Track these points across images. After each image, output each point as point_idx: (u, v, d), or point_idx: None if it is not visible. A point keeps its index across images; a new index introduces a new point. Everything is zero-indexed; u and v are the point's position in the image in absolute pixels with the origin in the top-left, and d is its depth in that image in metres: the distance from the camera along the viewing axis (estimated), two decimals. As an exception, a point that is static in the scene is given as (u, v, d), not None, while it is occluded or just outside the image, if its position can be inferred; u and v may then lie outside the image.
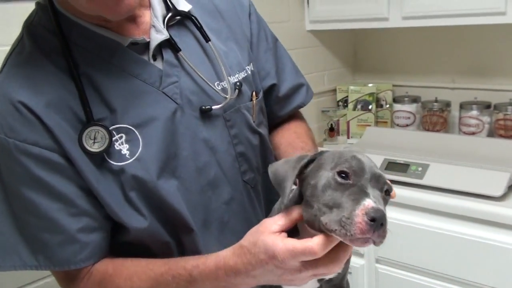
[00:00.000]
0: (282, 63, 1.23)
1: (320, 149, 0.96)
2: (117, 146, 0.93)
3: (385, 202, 0.81)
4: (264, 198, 1.16)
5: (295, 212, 0.85)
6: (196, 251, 0.99)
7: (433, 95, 2.42)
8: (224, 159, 1.04)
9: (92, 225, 0.93)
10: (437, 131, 2.38)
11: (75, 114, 0.91)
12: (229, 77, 1.05)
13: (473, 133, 2.27)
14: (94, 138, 0.91)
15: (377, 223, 0.72)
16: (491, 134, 2.25)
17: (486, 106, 2.25)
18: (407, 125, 2.47)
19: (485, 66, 2.32)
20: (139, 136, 0.94)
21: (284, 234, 0.84)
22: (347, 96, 2.63)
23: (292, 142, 1.19)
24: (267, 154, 1.15)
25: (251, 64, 1.13)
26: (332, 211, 0.76)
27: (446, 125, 2.37)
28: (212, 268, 0.89)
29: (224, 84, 1.04)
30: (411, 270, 1.90)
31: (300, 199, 0.86)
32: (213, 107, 1.01)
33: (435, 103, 2.38)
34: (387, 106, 2.58)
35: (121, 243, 0.99)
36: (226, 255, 0.89)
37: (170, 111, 0.97)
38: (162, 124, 0.96)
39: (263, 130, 1.14)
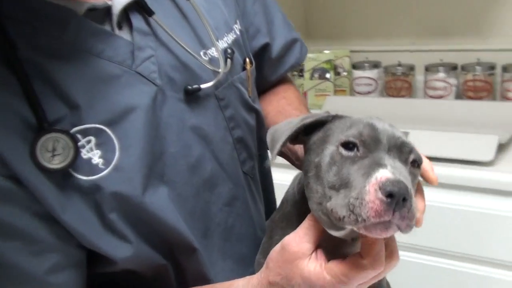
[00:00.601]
0: (271, 15, 1.01)
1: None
2: (85, 154, 0.70)
3: (413, 177, 0.63)
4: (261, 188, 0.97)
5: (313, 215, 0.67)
6: (199, 271, 0.79)
7: (395, 59, 2.28)
8: (221, 149, 0.83)
9: (63, 262, 0.71)
10: (402, 96, 2.24)
11: (22, 119, 0.67)
12: (217, 42, 0.83)
13: (440, 97, 2.15)
14: (53, 150, 0.67)
15: (396, 198, 0.55)
16: (459, 96, 2.14)
17: (452, 68, 2.14)
18: (368, 92, 2.32)
19: (448, 26, 2.20)
20: (113, 137, 0.71)
21: (321, 254, 0.66)
22: (302, 65, 2.44)
23: (282, 109, 1.00)
24: (263, 134, 0.95)
25: (238, 21, 0.91)
26: (339, 194, 0.59)
27: (411, 90, 2.24)
28: None
29: (212, 53, 0.82)
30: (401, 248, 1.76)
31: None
32: (202, 86, 0.79)
33: (398, 67, 2.25)
34: (345, 73, 2.41)
35: (102, 273, 0.76)
36: None
37: (149, 96, 0.74)
38: (142, 116, 0.73)
39: (259, 106, 0.93)
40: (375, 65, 2.31)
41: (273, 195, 1.05)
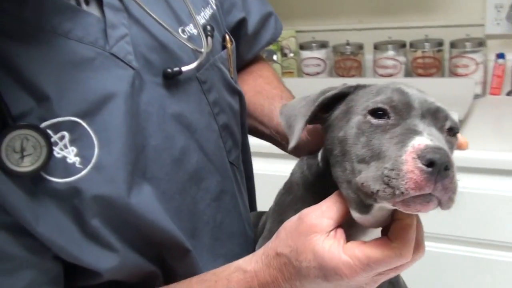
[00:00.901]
0: None
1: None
2: (58, 153, 0.59)
3: (450, 146, 0.58)
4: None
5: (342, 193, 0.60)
6: (191, 274, 0.70)
7: (343, 38, 2.25)
8: (206, 138, 0.75)
9: (39, 279, 0.61)
10: (352, 76, 2.22)
11: None
12: (197, 17, 0.74)
13: (390, 75, 2.13)
14: (22, 150, 0.56)
15: (438, 167, 0.49)
16: (408, 74, 2.14)
17: (401, 45, 2.12)
18: (317, 73, 2.28)
19: (395, 3, 2.18)
20: (90, 131, 0.61)
21: (341, 233, 0.58)
22: (248, 47, 2.35)
23: (260, 89, 0.92)
24: (245, 119, 0.87)
25: None
26: (369, 167, 0.53)
27: (361, 69, 2.22)
28: None
29: (191, 30, 0.73)
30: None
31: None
32: (184, 68, 0.70)
33: (347, 47, 2.21)
34: (292, 54, 2.36)
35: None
36: (255, 267, 0.62)
37: (127, 81, 0.65)
38: (121, 105, 0.64)
39: (240, 88, 0.85)
40: (323, 45, 2.27)
41: (254, 185, 0.98)
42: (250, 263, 0.63)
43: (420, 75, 2.09)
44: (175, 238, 0.67)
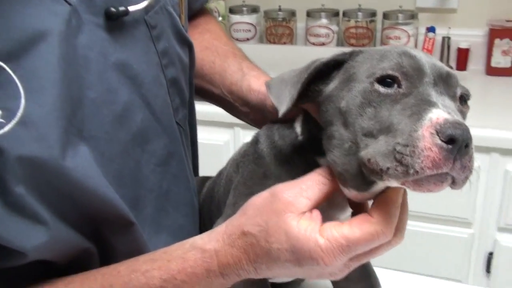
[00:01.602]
0: None
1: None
2: None
3: (463, 115, 0.52)
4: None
5: (328, 176, 0.53)
6: (133, 250, 0.61)
7: (275, 3, 2.17)
8: (154, 93, 0.65)
9: None
10: (283, 43, 2.15)
11: None
12: None
13: (322, 44, 2.09)
14: None
15: (460, 144, 0.44)
16: (341, 43, 2.11)
17: (334, 14, 2.08)
18: (247, 39, 2.19)
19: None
20: (15, 78, 0.50)
21: (317, 214, 0.52)
22: (175, 8, 2.22)
23: (209, 45, 0.83)
24: (193, 75, 0.78)
25: None
26: (378, 141, 0.47)
27: (293, 37, 2.16)
28: (200, 275, 0.55)
29: None
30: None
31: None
32: (131, 8, 0.60)
33: (279, 12, 2.14)
34: (221, 18, 2.25)
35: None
36: (217, 247, 0.54)
37: (62, 19, 0.53)
38: (54, 47, 0.52)
39: (191, 39, 0.75)
40: (254, 9, 2.18)
41: (197, 150, 0.88)
42: (209, 241, 0.55)
43: (352, 45, 2.06)
44: (117, 209, 0.57)
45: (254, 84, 0.73)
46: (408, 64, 0.49)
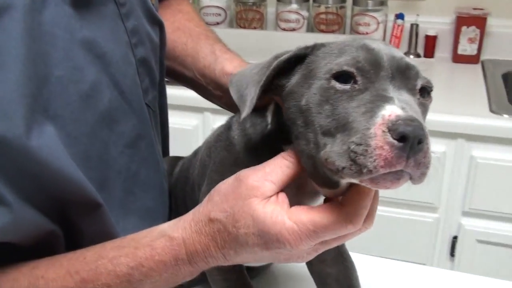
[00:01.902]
0: None
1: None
2: None
3: (424, 109, 0.51)
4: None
5: (292, 159, 0.53)
6: (100, 233, 0.60)
7: (245, -13, 2.15)
8: (123, 73, 0.63)
9: None
10: (254, 28, 2.14)
11: None
12: None
13: (293, 29, 2.09)
14: None
15: (411, 141, 0.43)
16: (311, 29, 2.11)
17: (304, -1, 2.08)
18: (217, 23, 2.17)
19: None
20: None
21: (283, 198, 0.52)
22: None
23: (181, 26, 0.82)
24: (164, 55, 0.77)
25: None
26: (335, 139, 0.47)
27: (263, 21, 2.15)
28: (168, 263, 0.54)
29: None
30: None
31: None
32: None
33: (249, -3, 2.12)
34: (191, 1, 2.22)
35: None
36: (184, 235, 0.54)
37: None
38: (18, 21, 0.51)
39: (161, 18, 0.74)
40: (224, -7, 2.16)
41: (168, 132, 0.87)
42: (177, 229, 0.55)
43: (322, 31, 2.06)
44: (84, 190, 0.56)
45: (228, 68, 0.73)
46: (364, 59, 0.48)
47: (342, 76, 0.48)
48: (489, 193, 1.54)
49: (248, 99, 0.52)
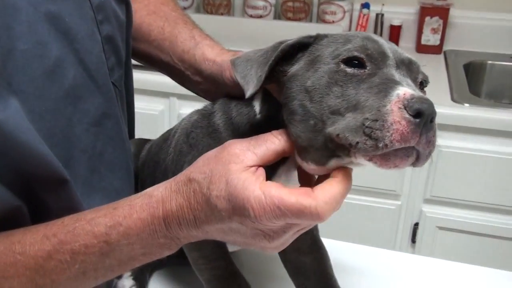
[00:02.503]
0: None
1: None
2: None
3: None
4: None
5: (281, 137, 0.54)
6: (66, 209, 0.59)
7: (212, -27, 2.13)
8: (88, 49, 0.62)
9: None
10: (221, 14, 2.12)
11: None
12: None
13: (260, 16, 2.08)
14: None
15: (426, 118, 0.46)
16: (278, 17, 2.11)
17: (272, -14, 2.07)
18: (184, 8, 2.13)
19: None
20: None
21: (262, 172, 0.52)
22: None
23: (157, 10, 0.80)
24: (130, 34, 0.75)
25: None
26: (345, 117, 0.48)
27: (230, 8, 2.13)
28: (145, 220, 0.53)
29: None
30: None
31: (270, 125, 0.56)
32: None
33: (216, -18, 2.10)
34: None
35: None
36: (164, 193, 0.54)
37: None
38: None
39: None
40: (191, -22, 2.14)
41: (134, 112, 0.86)
42: (157, 188, 0.55)
43: (289, 19, 2.07)
44: (50, 164, 0.55)
45: (209, 54, 0.72)
46: (372, 47, 0.51)
47: (351, 61, 0.50)
48: (449, 181, 1.58)
49: (255, 78, 0.53)
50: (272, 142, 0.53)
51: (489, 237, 1.62)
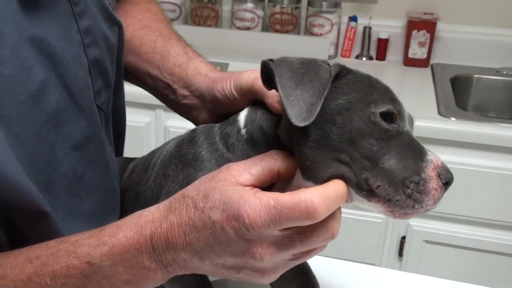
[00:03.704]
0: None
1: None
2: None
3: None
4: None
5: (277, 157, 0.53)
6: (46, 238, 0.57)
7: (200, -16, 2.13)
8: (73, 74, 0.61)
9: None
10: (209, 26, 2.12)
11: None
12: None
13: (248, 28, 2.08)
14: None
15: (449, 186, 0.52)
16: (266, 29, 2.11)
17: (260, -2, 2.07)
18: (172, 20, 2.14)
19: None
20: None
21: (258, 191, 0.51)
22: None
23: (150, 25, 0.80)
24: (122, 57, 0.75)
25: None
26: (378, 170, 0.51)
27: (218, 19, 2.13)
28: (130, 239, 0.52)
29: None
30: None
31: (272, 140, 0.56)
32: None
33: (205, -6, 2.10)
34: (145, -4, 2.18)
35: None
36: (155, 214, 0.53)
37: None
38: None
39: (120, 19, 0.72)
40: (179, -10, 2.14)
41: (124, 132, 0.85)
42: (150, 208, 0.54)
43: (277, 31, 2.07)
44: (29, 197, 0.54)
45: (202, 68, 0.72)
46: (399, 103, 0.54)
47: (387, 115, 0.52)
48: (436, 194, 1.57)
49: (304, 104, 0.51)
50: (268, 162, 0.52)
51: (476, 251, 1.62)
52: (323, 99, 0.51)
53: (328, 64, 0.54)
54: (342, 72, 0.54)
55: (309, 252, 0.53)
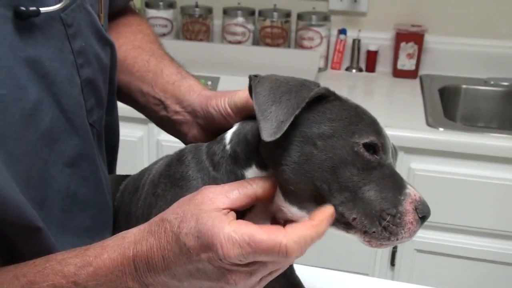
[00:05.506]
0: None
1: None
2: None
3: None
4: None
5: (253, 183, 0.54)
6: (40, 254, 0.58)
7: (191, 0, 2.16)
8: (66, 93, 0.62)
9: None
10: (200, 40, 2.14)
11: None
12: None
13: (239, 42, 2.11)
14: None
15: (424, 221, 0.54)
16: (256, 42, 2.13)
17: (250, 13, 2.10)
18: (164, 34, 2.17)
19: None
20: None
21: (233, 214, 0.52)
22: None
23: (142, 45, 0.82)
24: (115, 76, 0.77)
25: None
26: (356, 201, 0.52)
27: (209, 34, 2.16)
28: (115, 261, 0.53)
29: None
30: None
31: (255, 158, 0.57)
32: (43, 9, 0.58)
33: (196, 9, 2.13)
34: (137, 11, 2.20)
35: None
36: (137, 235, 0.54)
37: None
38: None
39: (112, 39, 0.74)
40: (170, 4, 2.16)
41: (117, 149, 0.86)
42: (132, 230, 0.55)
43: (267, 44, 2.09)
44: (23, 213, 0.55)
45: (195, 86, 0.74)
46: (383, 134, 0.54)
47: (370, 147, 0.53)
48: (426, 204, 1.59)
49: (275, 120, 0.52)
50: (244, 187, 0.54)
51: (467, 259, 1.64)
52: (294, 117, 0.52)
53: (319, 86, 0.55)
54: (330, 97, 0.55)
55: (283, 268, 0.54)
